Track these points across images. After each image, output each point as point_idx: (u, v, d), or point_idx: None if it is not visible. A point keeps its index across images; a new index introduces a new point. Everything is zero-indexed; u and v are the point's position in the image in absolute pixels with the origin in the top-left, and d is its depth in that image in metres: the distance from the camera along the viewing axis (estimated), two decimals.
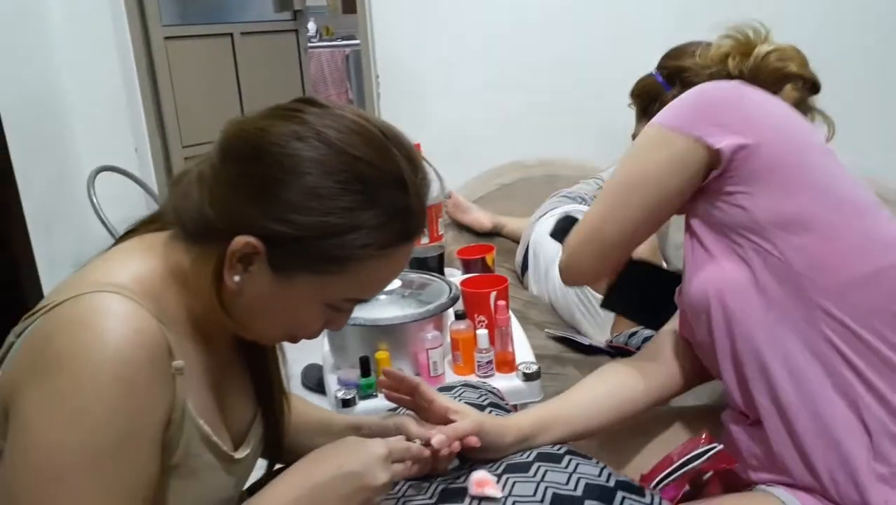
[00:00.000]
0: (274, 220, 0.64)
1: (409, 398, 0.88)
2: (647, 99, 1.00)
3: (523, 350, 1.46)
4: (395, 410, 0.99)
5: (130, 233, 0.74)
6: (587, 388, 1.00)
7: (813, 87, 0.99)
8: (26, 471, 0.57)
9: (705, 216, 0.90)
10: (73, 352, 0.58)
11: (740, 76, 0.97)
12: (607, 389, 0.99)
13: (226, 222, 0.65)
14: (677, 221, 2.26)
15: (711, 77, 0.97)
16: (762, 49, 0.97)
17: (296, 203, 0.64)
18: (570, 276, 1.04)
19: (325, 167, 0.64)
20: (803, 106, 1.00)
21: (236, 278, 0.66)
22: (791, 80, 0.97)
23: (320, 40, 5.22)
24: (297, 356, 1.82)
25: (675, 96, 0.95)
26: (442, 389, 1.04)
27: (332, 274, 0.67)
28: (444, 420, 0.85)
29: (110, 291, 0.61)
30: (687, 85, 0.98)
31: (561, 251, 1.03)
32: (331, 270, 0.67)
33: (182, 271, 0.69)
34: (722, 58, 1.00)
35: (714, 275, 0.88)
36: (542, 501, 0.77)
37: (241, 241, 0.64)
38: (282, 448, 0.88)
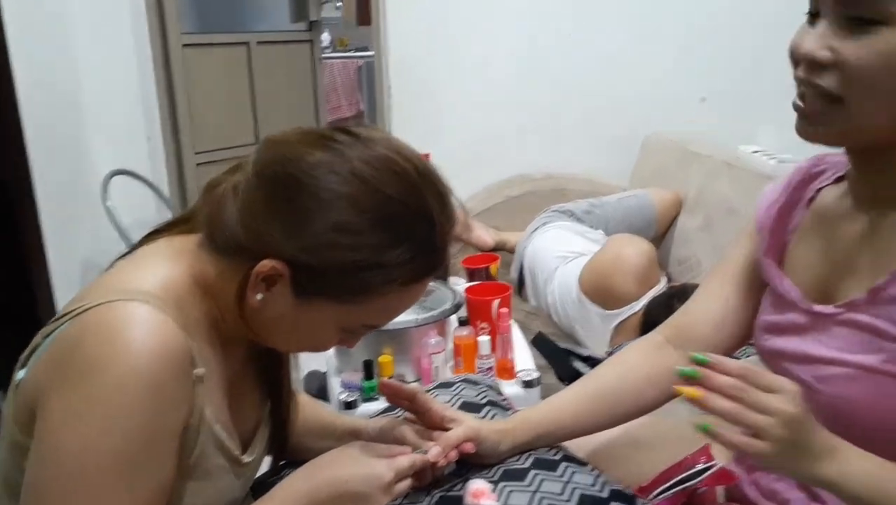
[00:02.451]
0: (301, 250, 0.66)
1: (409, 403, 0.90)
2: None
3: (524, 357, 1.49)
4: (392, 409, 1.01)
5: (158, 232, 0.76)
6: (594, 383, 0.95)
7: None
8: (53, 472, 0.60)
9: None
10: (101, 361, 0.60)
11: None
12: (614, 384, 0.93)
13: (254, 243, 0.66)
14: (680, 236, 2.29)
15: None
16: None
17: (324, 236, 0.65)
18: None
19: (357, 204, 0.66)
20: None
21: (259, 297, 0.68)
22: None
23: (334, 51, 5.28)
24: (300, 362, 1.85)
25: None
26: (442, 386, 1.06)
27: (352, 304, 0.69)
28: (442, 426, 0.86)
29: (138, 301, 0.63)
30: None
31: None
32: (351, 300, 0.69)
33: (207, 280, 0.70)
34: None
35: None
36: None
37: (267, 264, 0.66)
38: (287, 448, 0.91)
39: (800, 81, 0.72)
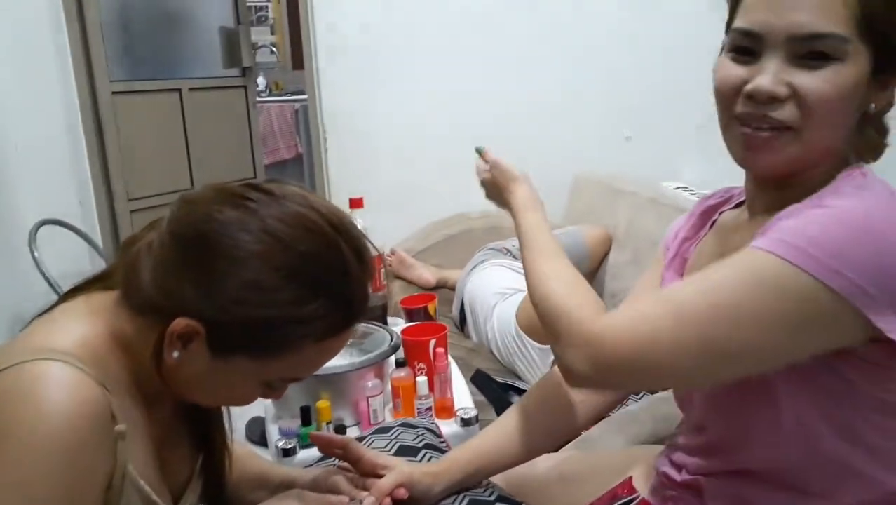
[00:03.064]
0: (214, 309, 0.66)
1: (341, 452, 0.91)
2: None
3: (462, 396, 1.50)
4: (327, 457, 1.01)
5: (77, 290, 0.75)
6: (517, 415, 0.98)
7: None
8: None
9: None
10: (16, 424, 0.59)
11: None
12: (537, 414, 0.96)
13: (168, 302, 0.67)
14: (611, 270, 2.36)
15: None
16: None
17: (237, 294, 0.66)
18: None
19: (270, 261, 0.66)
20: None
21: (175, 354, 0.68)
22: None
23: (270, 95, 5.29)
24: (242, 410, 1.82)
25: None
26: (380, 431, 1.07)
27: (269, 359, 0.70)
28: (375, 473, 0.88)
29: (54, 359, 0.62)
30: None
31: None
32: (268, 356, 0.70)
33: (125, 337, 0.70)
34: None
35: None
36: None
37: (181, 322, 0.66)
38: (222, 500, 0.90)
39: (748, 116, 0.74)
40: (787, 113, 0.72)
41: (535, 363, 1.93)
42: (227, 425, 0.89)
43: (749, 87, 0.73)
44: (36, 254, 2.33)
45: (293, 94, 5.10)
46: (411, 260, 2.55)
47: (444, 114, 2.78)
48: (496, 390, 1.72)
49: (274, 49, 5.42)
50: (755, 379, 0.73)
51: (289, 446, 1.30)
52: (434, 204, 2.79)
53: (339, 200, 2.63)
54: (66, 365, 0.63)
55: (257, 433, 2.25)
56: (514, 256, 2.36)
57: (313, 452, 1.30)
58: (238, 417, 1.81)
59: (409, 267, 2.52)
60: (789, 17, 0.71)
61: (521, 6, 2.73)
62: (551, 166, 2.79)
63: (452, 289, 2.45)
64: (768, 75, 0.72)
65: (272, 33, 5.50)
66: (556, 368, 1.02)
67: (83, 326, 0.69)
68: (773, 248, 0.67)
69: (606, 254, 2.34)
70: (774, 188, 0.78)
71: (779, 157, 0.75)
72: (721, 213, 0.91)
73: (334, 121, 2.81)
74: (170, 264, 0.68)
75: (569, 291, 0.80)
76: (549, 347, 1.89)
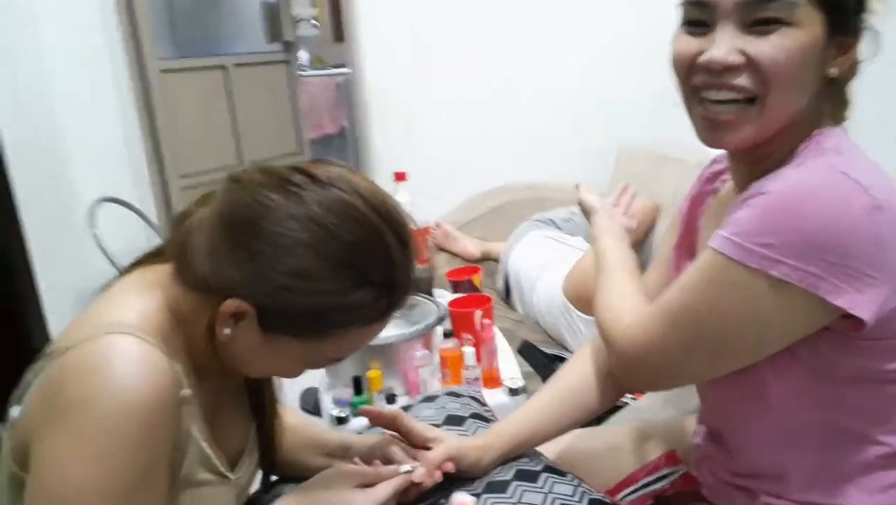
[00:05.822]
0: (262, 293, 0.68)
1: (391, 425, 0.93)
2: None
3: (509, 366, 1.52)
4: None
5: (134, 266, 0.78)
6: (558, 386, 1.00)
7: None
8: None
9: None
10: (90, 398, 0.61)
11: None
12: (576, 384, 0.98)
13: (220, 284, 0.69)
14: (658, 239, 2.32)
15: None
16: None
17: (284, 281, 0.67)
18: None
19: (317, 250, 0.67)
20: None
21: (227, 331, 0.70)
22: None
23: (312, 69, 5.31)
24: (296, 379, 1.87)
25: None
26: (427, 399, 1.10)
27: (315, 342, 0.72)
28: (424, 446, 0.91)
29: (122, 333, 0.65)
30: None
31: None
32: (314, 339, 0.72)
33: (180, 310, 0.73)
34: None
35: None
36: None
37: (232, 304, 0.68)
38: (276, 465, 0.94)
39: (707, 85, 0.75)
40: (745, 81, 0.72)
41: (581, 333, 1.93)
42: (278, 394, 0.92)
43: (703, 58, 0.74)
44: (95, 231, 2.41)
45: (335, 67, 5.11)
46: (456, 232, 2.56)
47: (487, 85, 2.77)
48: (543, 361, 1.74)
49: (315, 22, 5.42)
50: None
51: (343, 415, 1.34)
52: (478, 176, 2.79)
53: (384, 174, 2.65)
54: (133, 337, 0.65)
55: (311, 402, 2.31)
56: (558, 227, 2.35)
57: (366, 420, 1.34)
58: (292, 386, 1.87)
59: (454, 240, 2.54)
60: None
61: None
62: (597, 134, 2.77)
63: (497, 261, 2.46)
64: (722, 45, 0.72)
65: (313, 6, 5.50)
66: (596, 337, 1.04)
67: (142, 299, 0.71)
68: (718, 245, 0.71)
69: (654, 223, 2.31)
70: (747, 162, 0.79)
71: (742, 134, 0.75)
72: (724, 181, 0.91)
73: (376, 93, 2.82)
74: (219, 247, 0.69)
75: (609, 305, 0.89)
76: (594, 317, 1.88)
